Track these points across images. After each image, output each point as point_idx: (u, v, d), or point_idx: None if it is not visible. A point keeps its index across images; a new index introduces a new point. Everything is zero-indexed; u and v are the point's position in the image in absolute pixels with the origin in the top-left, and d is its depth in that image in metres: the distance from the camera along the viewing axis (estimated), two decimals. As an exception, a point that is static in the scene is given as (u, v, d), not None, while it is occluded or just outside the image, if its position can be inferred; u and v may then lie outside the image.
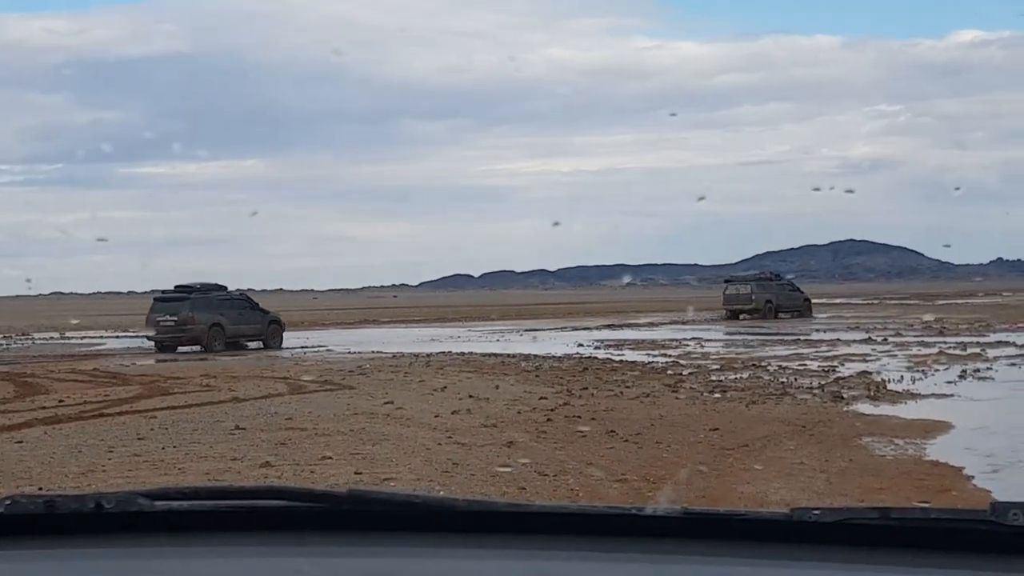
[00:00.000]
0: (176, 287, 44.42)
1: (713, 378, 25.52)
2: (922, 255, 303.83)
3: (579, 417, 18.19)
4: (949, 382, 23.95)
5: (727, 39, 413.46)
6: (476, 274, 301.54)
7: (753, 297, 62.76)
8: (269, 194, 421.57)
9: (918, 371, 26.54)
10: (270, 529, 2.45)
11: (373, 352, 37.45)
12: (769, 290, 63.97)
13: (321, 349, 41.05)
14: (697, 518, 2.41)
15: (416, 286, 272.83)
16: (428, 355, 34.36)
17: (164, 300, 43.25)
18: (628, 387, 23.37)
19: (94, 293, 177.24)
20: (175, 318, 41.81)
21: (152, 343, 42.85)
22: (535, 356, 34.05)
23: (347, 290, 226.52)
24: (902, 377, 24.87)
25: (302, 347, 42.39)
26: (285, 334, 45.72)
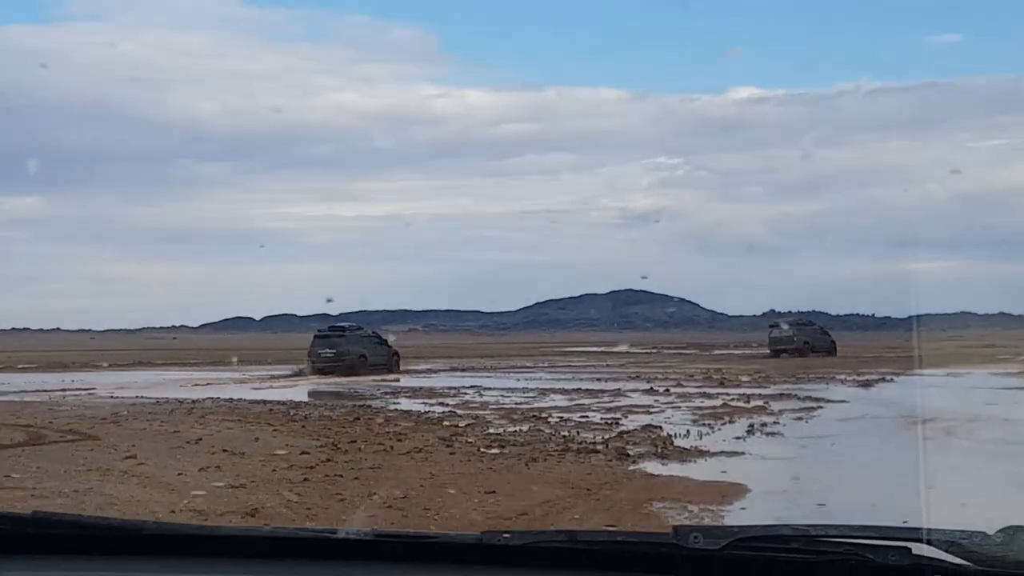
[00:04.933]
0: (330, 327, 56.55)
1: (491, 431, 23.95)
2: (698, 306, 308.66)
3: (341, 476, 16.34)
4: (737, 438, 22.81)
5: (512, 89, 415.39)
6: (257, 317, 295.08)
7: (794, 339, 72.23)
8: (47, 233, 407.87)
9: (704, 424, 25.45)
10: None
11: (136, 397, 35.04)
12: (805, 333, 73.76)
13: (84, 393, 38.14)
14: (388, 541, 2.54)
15: (196, 328, 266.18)
16: (193, 401, 32.20)
17: (323, 336, 55.14)
18: (400, 440, 21.62)
19: None
20: (334, 351, 53.24)
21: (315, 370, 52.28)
22: (306, 403, 32.25)
23: (126, 331, 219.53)
24: (688, 432, 23.65)
25: (63, 390, 39.41)
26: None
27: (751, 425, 25.18)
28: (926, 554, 2.32)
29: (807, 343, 71.85)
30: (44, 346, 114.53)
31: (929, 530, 2.38)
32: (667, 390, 38.29)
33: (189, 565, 2.44)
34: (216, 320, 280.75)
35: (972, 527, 2.46)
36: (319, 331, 56.84)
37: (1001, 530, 2.41)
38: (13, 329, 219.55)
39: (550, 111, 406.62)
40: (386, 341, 58.45)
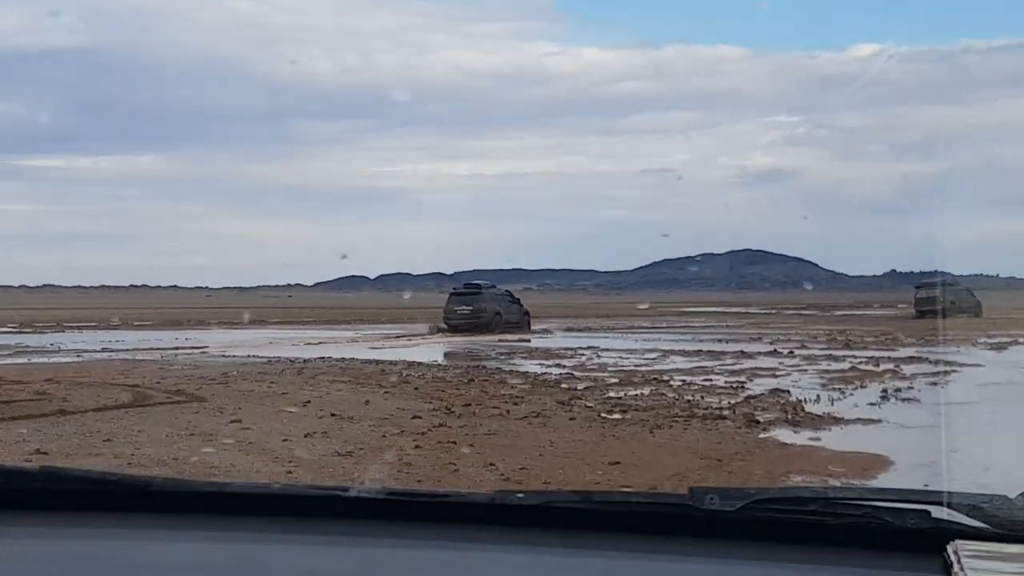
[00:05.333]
0: (465, 285, 58.15)
1: (611, 394, 22.91)
2: (817, 266, 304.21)
3: (454, 443, 15.44)
4: (871, 404, 21.56)
5: (629, 47, 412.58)
6: (372, 276, 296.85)
7: (939, 299, 70.72)
8: (164, 190, 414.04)
9: (834, 389, 24.20)
10: None
11: (248, 356, 34.54)
12: (951, 293, 72.01)
13: (196, 352, 37.73)
14: (400, 499, 2.48)
15: (311, 286, 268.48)
16: (304, 361, 31.59)
17: (459, 295, 56.04)
18: (516, 404, 20.72)
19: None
20: (470, 308, 54.09)
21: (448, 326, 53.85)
22: (419, 364, 31.45)
23: (242, 288, 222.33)
24: (818, 397, 22.44)
25: (175, 349, 39.08)
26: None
27: (884, 390, 23.87)
28: (945, 517, 2.25)
29: (953, 303, 71.06)
30: (161, 303, 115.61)
31: (950, 493, 2.30)
32: (791, 352, 36.99)
33: (198, 521, 2.44)
34: (331, 279, 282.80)
35: None
36: (455, 289, 57.86)
37: (1022, 493, 2.29)
38: (132, 286, 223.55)
39: (668, 69, 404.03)
40: (519, 300, 58.68)
